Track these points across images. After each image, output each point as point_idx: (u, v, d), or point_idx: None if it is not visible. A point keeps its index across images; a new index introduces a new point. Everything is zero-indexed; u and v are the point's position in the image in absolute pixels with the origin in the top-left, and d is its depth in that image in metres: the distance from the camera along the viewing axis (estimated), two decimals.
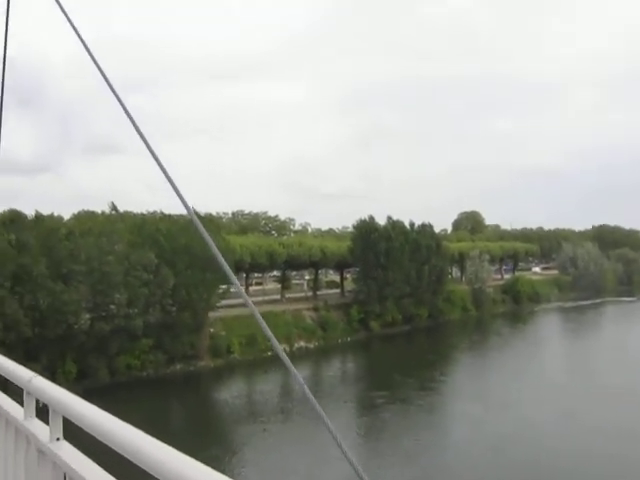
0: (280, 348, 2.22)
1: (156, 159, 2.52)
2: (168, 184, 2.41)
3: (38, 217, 44.06)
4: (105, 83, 2.79)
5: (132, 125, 2.66)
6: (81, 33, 2.83)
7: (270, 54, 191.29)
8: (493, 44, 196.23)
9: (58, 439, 2.33)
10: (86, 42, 2.90)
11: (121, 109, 2.60)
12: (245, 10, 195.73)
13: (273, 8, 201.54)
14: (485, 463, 27.20)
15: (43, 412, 2.69)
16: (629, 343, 57.23)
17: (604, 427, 30.15)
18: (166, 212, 51.90)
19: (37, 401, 2.70)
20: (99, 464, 2.21)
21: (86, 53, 2.90)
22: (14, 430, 2.82)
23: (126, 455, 1.79)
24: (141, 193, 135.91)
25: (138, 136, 2.63)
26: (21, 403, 2.77)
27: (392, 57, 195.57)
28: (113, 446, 1.86)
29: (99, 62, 2.84)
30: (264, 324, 2.20)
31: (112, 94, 2.76)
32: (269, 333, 2.21)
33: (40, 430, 2.52)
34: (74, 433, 2.45)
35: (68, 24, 2.90)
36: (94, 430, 2.00)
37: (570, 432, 30.31)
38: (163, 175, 2.53)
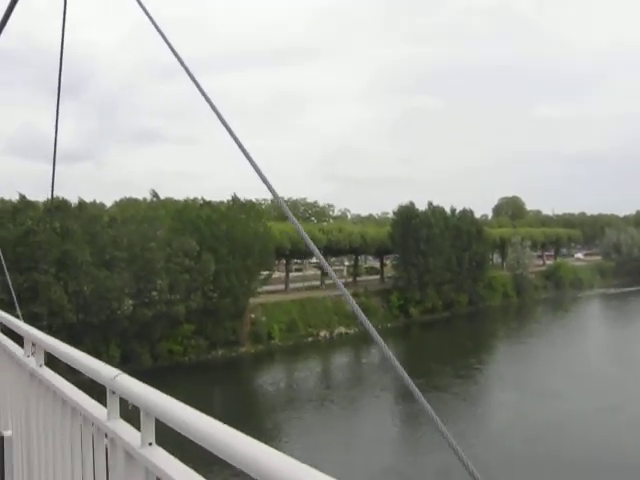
0: (371, 326, 2.11)
1: (239, 144, 2.38)
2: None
3: (81, 204, 44.50)
4: (180, 67, 2.68)
5: (212, 109, 2.53)
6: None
7: (312, 39, 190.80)
8: (538, 28, 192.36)
9: (151, 444, 2.16)
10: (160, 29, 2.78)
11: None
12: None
13: None
14: (521, 453, 26.90)
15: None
16: None
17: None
18: (207, 199, 52.21)
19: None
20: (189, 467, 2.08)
21: (158, 37, 2.78)
22: (97, 431, 2.67)
23: (228, 460, 1.63)
24: (181, 180, 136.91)
25: (219, 122, 2.49)
26: (103, 403, 2.62)
27: (437, 42, 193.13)
28: (212, 450, 1.72)
29: (171, 42, 2.74)
30: (352, 300, 2.08)
31: (187, 78, 2.63)
32: (359, 312, 2.09)
33: (128, 433, 2.35)
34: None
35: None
36: (192, 434, 1.84)
37: (610, 425, 29.69)
38: (246, 160, 2.39)
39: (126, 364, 40.77)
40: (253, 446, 1.59)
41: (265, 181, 2.30)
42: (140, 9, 2.91)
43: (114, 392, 2.48)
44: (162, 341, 43.79)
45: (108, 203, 51.97)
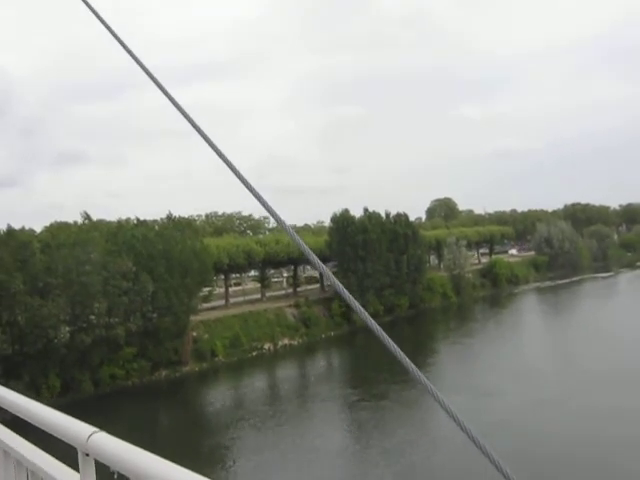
0: (368, 316, 1.93)
1: (224, 159, 2.19)
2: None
3: (10, 231, 43.14)
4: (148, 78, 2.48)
5: (190, 123, 2.31)
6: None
7: (233, 54, 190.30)
8: (455, 33, 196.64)
9: None
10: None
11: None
12: (203, 11, 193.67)
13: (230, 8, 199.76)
14: (467, 454, 27.07)
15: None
16: (608, 321, 57.48)
17: (586, 411, 30.09)
18: (140, 218, 51.34)
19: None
20: None
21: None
22: None
23: None
24: (110, 201, 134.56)
25: (200, 137, 2.29)
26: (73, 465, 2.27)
27: (357, 50, 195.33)
28: None
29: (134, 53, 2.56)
30: (346, 293, 1.90)
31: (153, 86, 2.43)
32: (355, 303, 1.91)
33: None
34: None
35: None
36: None
37: (552, 417, 30.11)
38: (234, 174, 2.20)
39: (67, 393, 39.78)
40: None
41: (257, 196, 2.12)
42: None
43: (87, 454, 2.12)
44: (103, 366, 42.69)
45: (38, 229, 50.44)
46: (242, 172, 2.12)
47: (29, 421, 2.62)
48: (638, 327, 50.13)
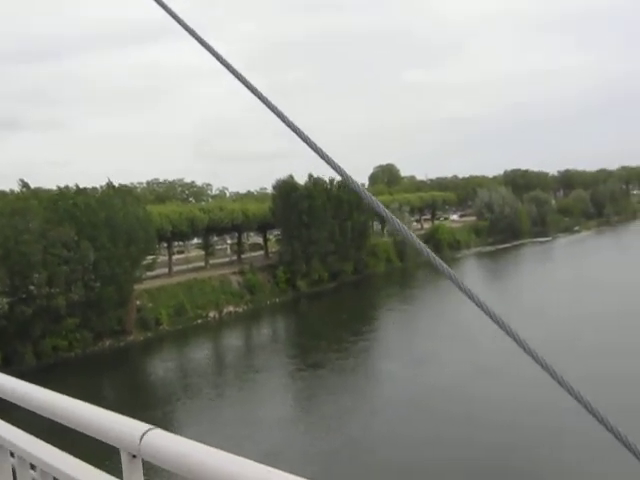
0: (437, 257, 1.75)
1: (289, 123, 1.98)
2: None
3: None
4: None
5: (249, 90, 2.06)
6: None
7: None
8: None
9: None
10: None
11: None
12: None
13: None
14: (407, 419, 27.62)
15: None
16: (543, 288, 58.69)
17: (518, 379, 30.68)
18: (80, 186, 50.12)
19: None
20: None
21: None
22: None
23: None
24: (51, 169, 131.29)
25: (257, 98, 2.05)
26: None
27: (303, 11, 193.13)
28: None
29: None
30: (415, 237, 1.72)
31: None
32: (423, 246, 1.74)
33: None
34: None
35: None
36: None
37: (488, 384, 30.67)
38: (304, 142, 1.98)
39: (9, 366, 38.92)
40: None
41: (330, 161, 1.91)
42: None
43: (135, 456, 1.81)
44: (45, 338, 41.83)
45: None
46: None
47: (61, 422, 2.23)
48: (570, 294, 51.50)
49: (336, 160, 1.89)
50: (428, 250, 1.76)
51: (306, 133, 1.98)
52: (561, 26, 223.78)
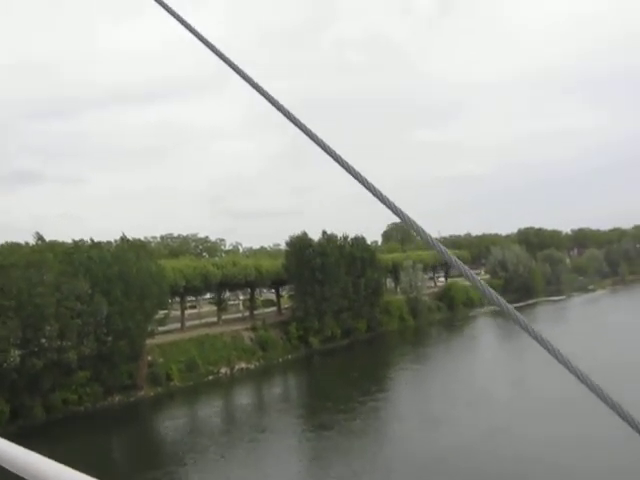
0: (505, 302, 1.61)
1: (355, 174, 1.89)
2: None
3: None
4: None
5: (315, 142, 1.95)
6: None
7: (196, 74, 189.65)
8: (410, 57, 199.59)
9: None
10: None
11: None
12: (162, 26, 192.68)
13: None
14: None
15: None
16: (561, 346, 57.80)
17: (535, 438, 30.04)
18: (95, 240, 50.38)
19: None
20: None
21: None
22: None
23: None
24: (66, 223, 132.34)
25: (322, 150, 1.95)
26: None
27: (313, 74, 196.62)
28: None
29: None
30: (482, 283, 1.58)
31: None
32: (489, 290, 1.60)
33: None
34: None
35: None
36: None
37: (502, 444, 30.00)
38: (366, 189, 1.88)
39: (16, 420, 38.61)
40: None
41: (394, 209, 1.81)
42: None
43: None
44: (55, 391, 41.46)
45: None
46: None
47: None
48: (589, 352, 50.66)
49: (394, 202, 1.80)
50: (499, 297, 1.65)
51: (363, 174, 1.89)
52: (574, 87, 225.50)
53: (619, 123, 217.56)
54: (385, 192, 1.81)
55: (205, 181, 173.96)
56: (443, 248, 1.78)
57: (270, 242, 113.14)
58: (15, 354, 39.71)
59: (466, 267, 1.69)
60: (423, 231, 1.79)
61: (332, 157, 1.88)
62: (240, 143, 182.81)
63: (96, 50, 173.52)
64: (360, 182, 1.84)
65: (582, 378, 1.59)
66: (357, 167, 1.85)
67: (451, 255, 1.73)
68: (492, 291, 1.63)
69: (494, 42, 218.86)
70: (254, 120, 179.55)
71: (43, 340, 40.90)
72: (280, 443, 35.04)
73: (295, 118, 1.94)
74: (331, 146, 1.88)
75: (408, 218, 1.79)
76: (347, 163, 1.89)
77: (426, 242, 1.78)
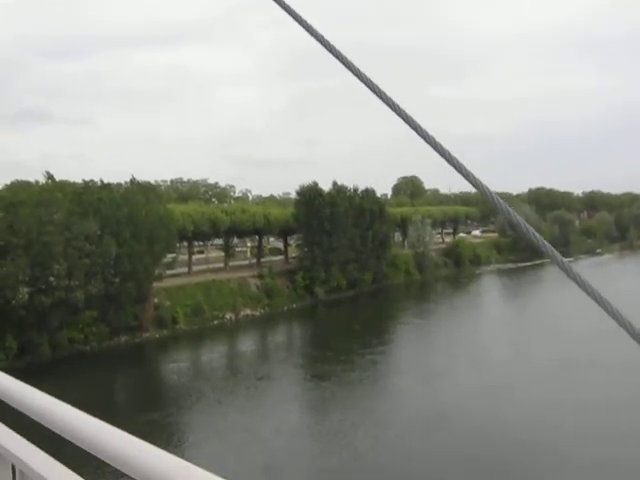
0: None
1: (415, 127, 1.82)
2: None
3: None
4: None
5: (376, 94, 1.89)
6: None
7: (209, 19, 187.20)
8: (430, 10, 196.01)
9: None
10: None
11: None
12: None
13: None
14: (418, 435, 27.19)
15: None
16: (563, 308, 57.86)
17: (532, 398, 30.19)
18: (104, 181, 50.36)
19: None
20: None
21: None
22: None
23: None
24: (73, 163, 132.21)
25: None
26: None
27: (333, 21, 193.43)
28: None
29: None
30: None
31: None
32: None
33: None
34: None
35: None
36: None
37: (497, 403, 30.15)
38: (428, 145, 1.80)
39: (23, 356, 39.15)
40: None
41: (459, 167, 1.74)
42: None
43: None
44: (62, 330, 41.92)
45: None
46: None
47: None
48: (587, 316, 50.60)
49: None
50: (553, 249, 1.57)
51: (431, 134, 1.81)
52: (591, 46, 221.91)
53: (632, 85, 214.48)
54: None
55: (215, 128, 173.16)
56: (506, 207, 1.67)
57: (280, 191, 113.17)
58: (24, 291, 39.99)
59: (524, 222, 1.61)
60: (481, 184, 1.71)
61: (378, 95, 1.80)
62: (251, 92, 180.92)
63: None
64: (413, 128, 1.77)
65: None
66: (408, 111, 1.78)
67: (517, 215, 1.62)
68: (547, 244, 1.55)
69: None
70: (266, 69, 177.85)
71: (51, 279, 41.09)
72: (279, 391, 35.38)
73: (341, 55, 1.87)
74: (380, 86, 1.81)
75: (464, 167, 1.72)
76: (399, 106, 1.81)
77: (487, 197, 1.68)
